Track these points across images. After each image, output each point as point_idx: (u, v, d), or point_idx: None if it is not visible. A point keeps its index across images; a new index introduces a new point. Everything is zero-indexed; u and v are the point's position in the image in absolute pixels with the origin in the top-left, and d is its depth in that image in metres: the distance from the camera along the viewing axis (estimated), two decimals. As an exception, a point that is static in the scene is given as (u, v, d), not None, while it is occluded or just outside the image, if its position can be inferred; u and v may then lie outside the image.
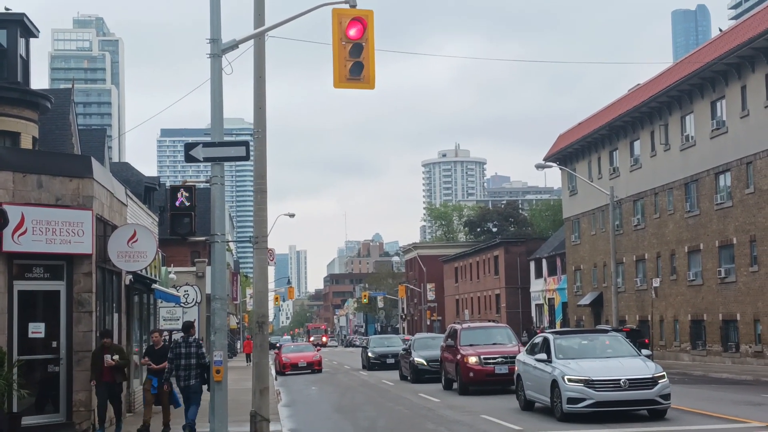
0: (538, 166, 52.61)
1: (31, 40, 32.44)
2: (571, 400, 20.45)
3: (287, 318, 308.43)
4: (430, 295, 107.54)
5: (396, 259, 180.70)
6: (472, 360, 29.80)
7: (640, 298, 56.98)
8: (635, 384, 20.54)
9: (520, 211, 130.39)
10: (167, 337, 44.47)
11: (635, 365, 21.45)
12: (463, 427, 21.29)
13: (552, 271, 79.25)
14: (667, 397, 20.87)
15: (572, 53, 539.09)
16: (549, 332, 24.71)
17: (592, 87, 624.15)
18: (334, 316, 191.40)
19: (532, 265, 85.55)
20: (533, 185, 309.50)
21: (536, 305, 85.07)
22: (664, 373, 21.20)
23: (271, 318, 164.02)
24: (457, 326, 33.91)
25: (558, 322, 74.60)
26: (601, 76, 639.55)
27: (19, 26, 31.10)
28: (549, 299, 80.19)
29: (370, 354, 51.81)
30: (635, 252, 57.78)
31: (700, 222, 49.43)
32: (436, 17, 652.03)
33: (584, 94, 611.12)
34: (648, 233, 56.00)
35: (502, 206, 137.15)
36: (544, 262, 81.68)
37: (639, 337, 42.61)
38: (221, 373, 17.88)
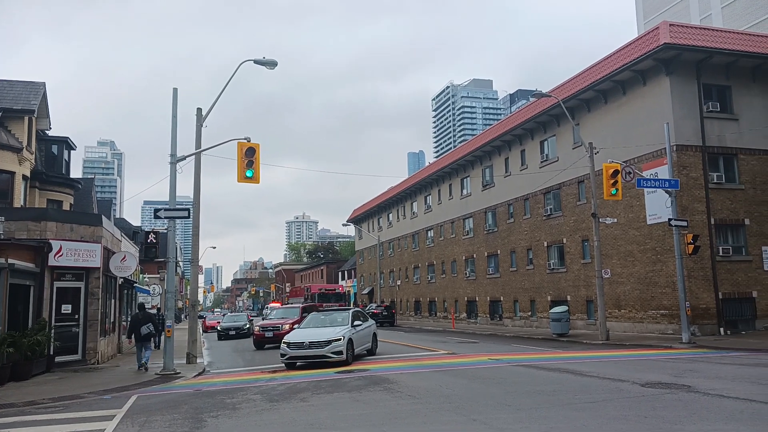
0: (344, 225, 66.85)
1: (72, 152, 32.70)
2: (281, 355, 19.14)
3: (210, 302, 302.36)
4: (287, 290, 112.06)
5: (271, 271, 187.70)
6: (256, 328, 28.78)
7: (392, 291, 65.08)
8: (313, 345, 18.59)
9: (335, 247, 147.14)
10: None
11: (327, 332, 19.11)
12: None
13: (350, 276, 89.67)
14: (338, 353, 18.61)
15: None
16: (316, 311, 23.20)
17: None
18: (237, 300, 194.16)
19: (340, 274, 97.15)
20: (342, 233, 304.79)
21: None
22: (341, 337, 18.88)
23: (201, 302, 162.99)
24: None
25: (352, 303, 75.83)
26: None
27: (64, 143, 31.91)
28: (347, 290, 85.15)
29: (218, 328, 40.19)
30: (389, 267, 65.65)
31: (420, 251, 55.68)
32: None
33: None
34: (395, 259, 63.46)
35: (326, 244, 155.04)
36: (346, 272, 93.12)
37: (392, 308, 52.50)
38: (170, 331, 18.48)
